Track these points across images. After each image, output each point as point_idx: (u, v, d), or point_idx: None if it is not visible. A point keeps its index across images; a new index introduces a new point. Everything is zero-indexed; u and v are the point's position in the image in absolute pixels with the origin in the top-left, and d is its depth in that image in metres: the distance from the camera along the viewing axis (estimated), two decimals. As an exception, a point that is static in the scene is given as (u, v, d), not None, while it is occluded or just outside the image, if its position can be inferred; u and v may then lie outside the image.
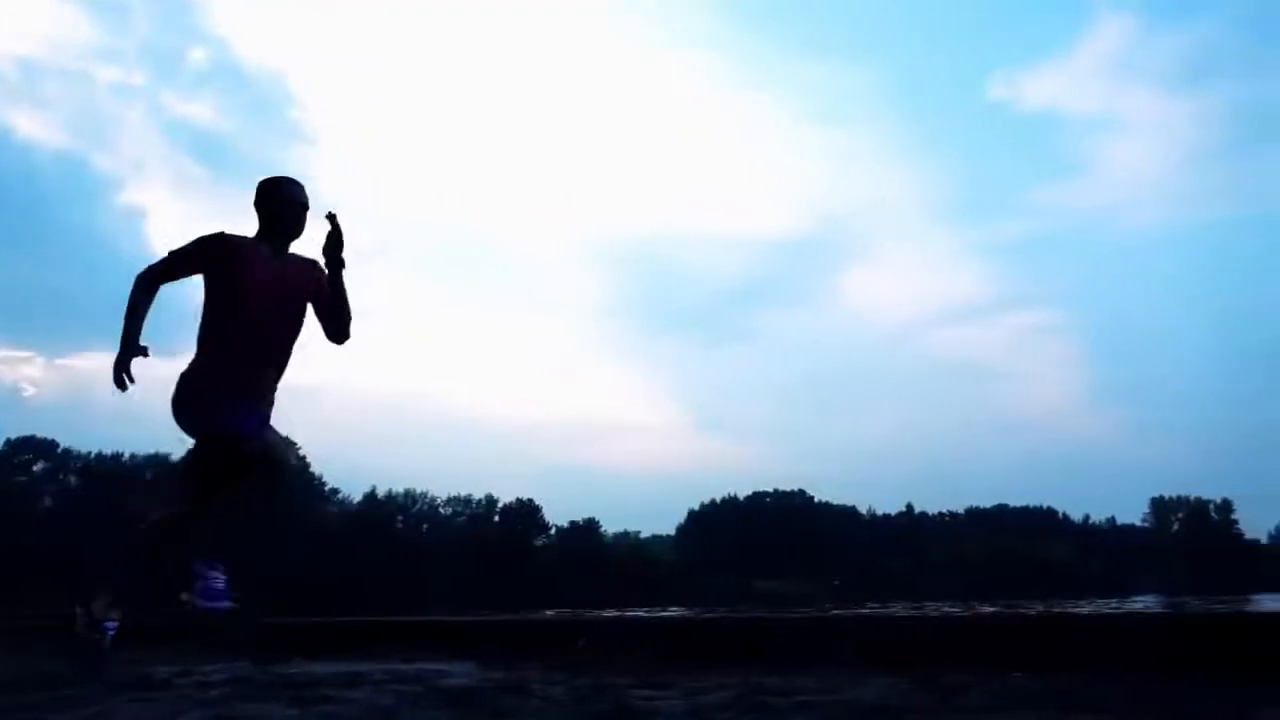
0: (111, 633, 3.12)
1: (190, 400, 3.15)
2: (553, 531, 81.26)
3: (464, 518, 79.24)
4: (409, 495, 77.50)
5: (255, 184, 3.36)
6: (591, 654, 3.24)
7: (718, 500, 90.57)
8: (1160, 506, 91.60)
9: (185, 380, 3.18)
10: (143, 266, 3.25)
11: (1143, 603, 32.85)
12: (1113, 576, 73.76)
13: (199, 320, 3.25)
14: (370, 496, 74.79)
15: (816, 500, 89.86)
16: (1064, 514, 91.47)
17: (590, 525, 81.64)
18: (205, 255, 3.25)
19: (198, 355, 3.23)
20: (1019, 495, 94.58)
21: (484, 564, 66.19)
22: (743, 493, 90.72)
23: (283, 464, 3.22)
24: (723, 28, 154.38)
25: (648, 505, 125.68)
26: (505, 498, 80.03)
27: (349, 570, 54.97)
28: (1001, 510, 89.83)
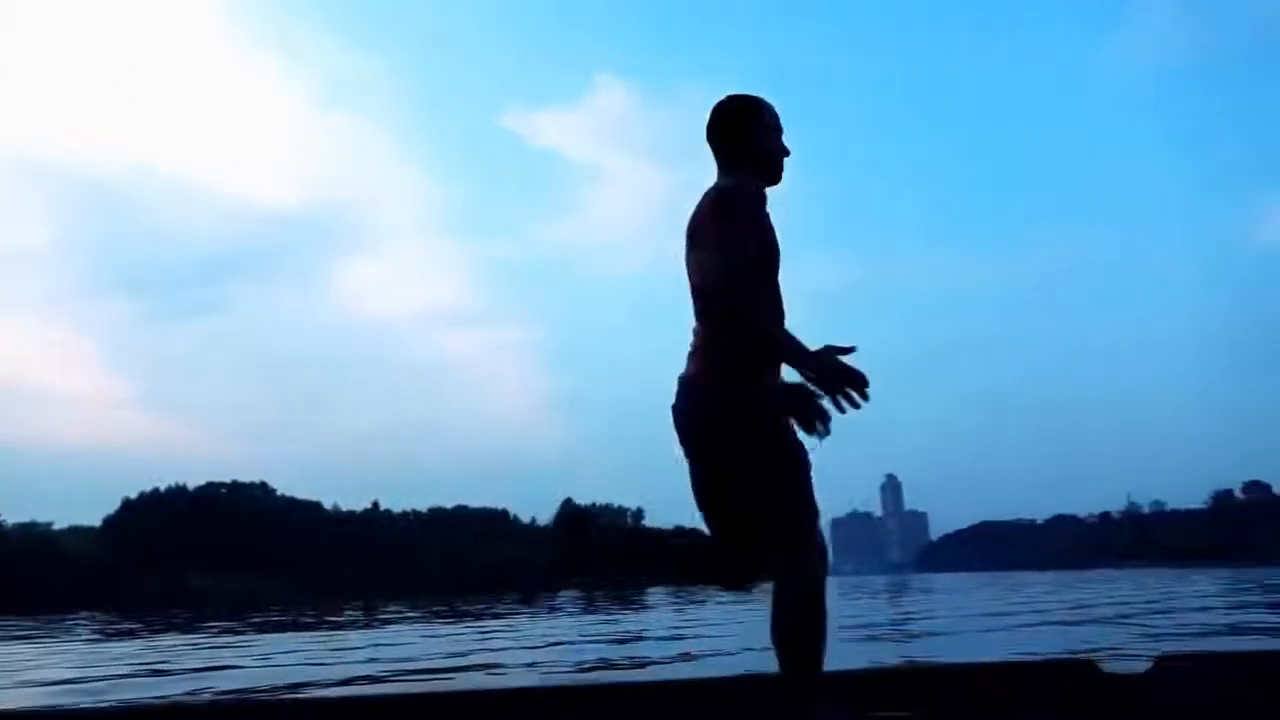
0: None
1: (757, 395, 2.16)
2: (-78, 520, 64.20)
3: None
4: None
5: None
6: None
7: (161, 489, 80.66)
8: (593, 512, 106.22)
9: (739, 385, 2.16)
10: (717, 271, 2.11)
11: (568, 596, 37.79)
12: (551, 572, 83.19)
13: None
14: None
15: (279, 494, 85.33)
16: (514, 515, 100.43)
17: (-18, 514, 66.33)
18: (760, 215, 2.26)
19: (729, 351, 2.19)
20: (477, 497, 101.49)
21: None
22: (194, 482, 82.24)
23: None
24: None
25: (67, 491, 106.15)
26: None
27: None
28: (461, 511, 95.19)
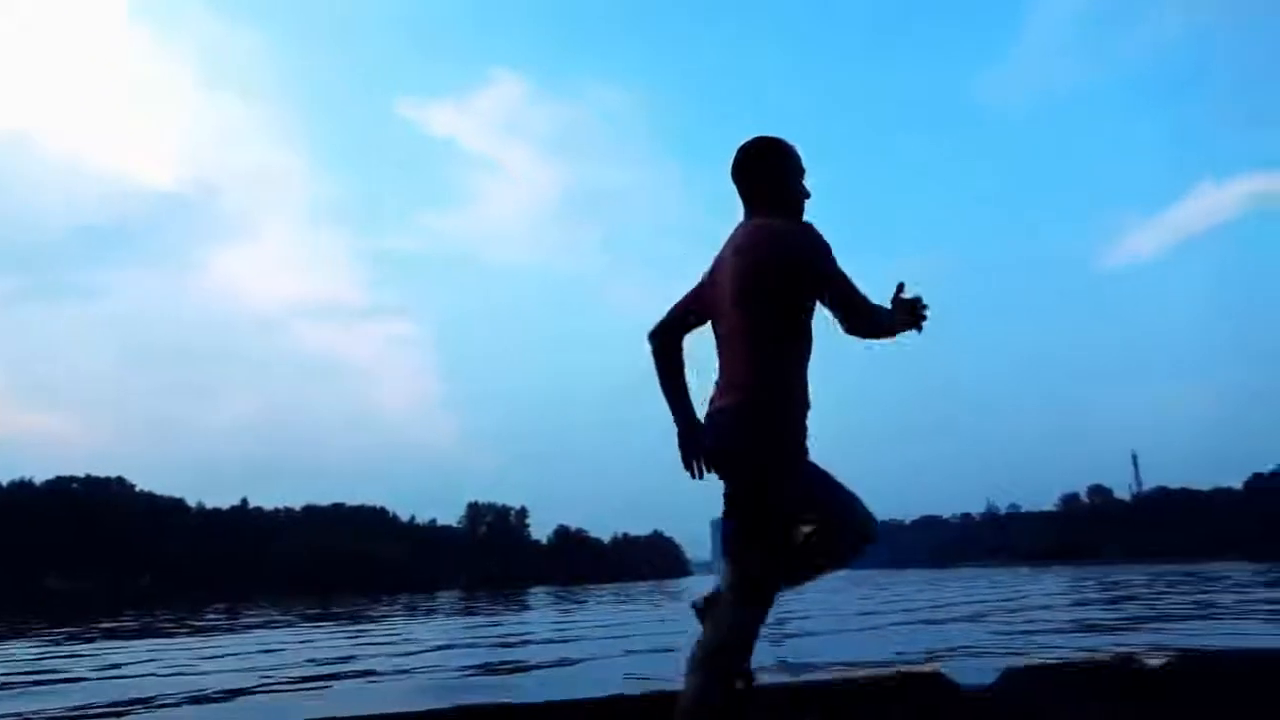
0: None
1: (788, 446, 2.28)
2: None
3: None
4: None
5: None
6: None
7: (4, 484, 74.63)
8: (475, 510, 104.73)
9: (779, 412, 2.28)
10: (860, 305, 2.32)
11: (448, 597, 37.18)
12: (430, 572, 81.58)
13: (770, 334, 2.31)
14: None
15: (139, 489, 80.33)
16: (394, 514, 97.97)
17: None
18: None
19: (780, 380, 2.30)
20: (354, 494, 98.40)
21: None
22: (41, 477, 76.47)
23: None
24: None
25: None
26: None
27: None
28: (338, 509, 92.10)
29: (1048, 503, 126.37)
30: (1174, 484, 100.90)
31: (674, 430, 2.45)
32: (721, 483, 2.31)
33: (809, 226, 2.32)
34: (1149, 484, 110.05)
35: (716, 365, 2.39)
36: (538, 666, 6.45)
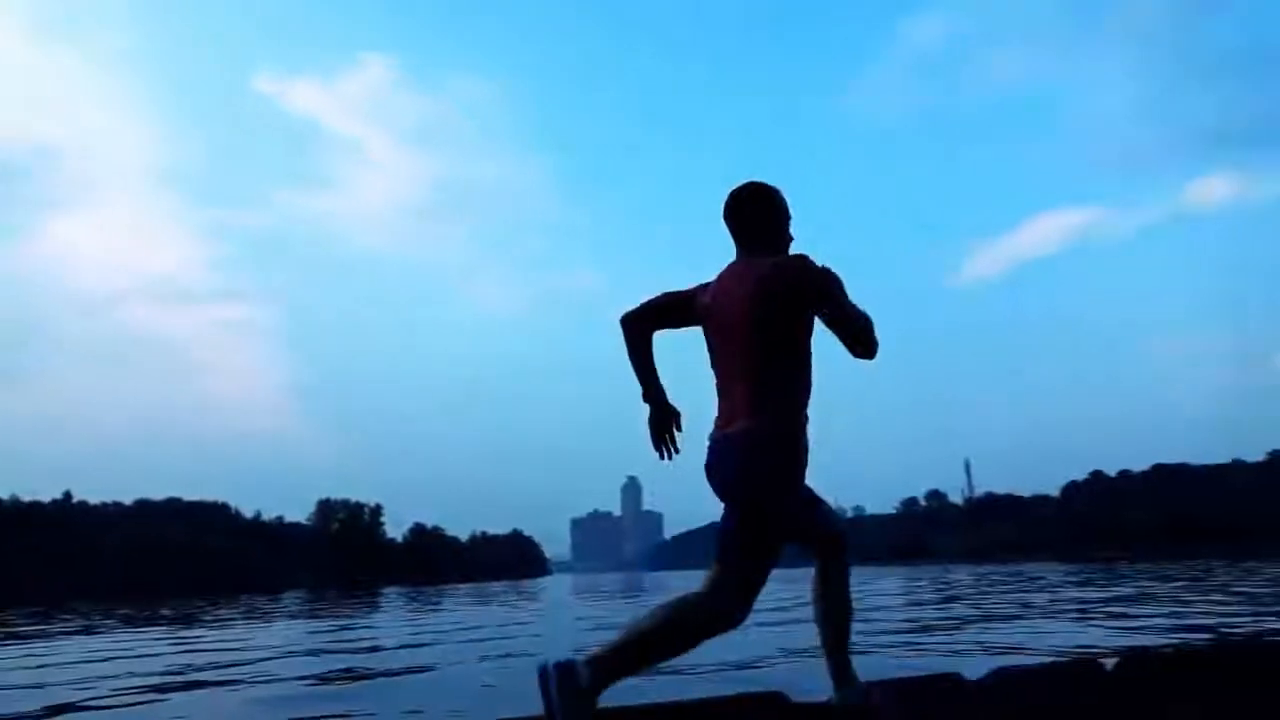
0: None
1: (797, 470, 2.47)
2: None
3: None
4: None
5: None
6: None
7: None
8: (326, 507, 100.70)
9: (786, 442, 2.43)
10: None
11: (293, 598, 35.46)
12: (275, 572, 77.79)
13: (779, 361, 2.47)
14: None
15: (-59, 480, 72.68)
16: (236, 509, 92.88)
17: None
18: None
19: (790, 406, 2.47)
20: (193, 488, 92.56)
21: None
22: None
23: None
24: None
25: None
26: None
27: None
28: (174, 503, 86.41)
29: (890, 505, 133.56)
30: (1001, 490, 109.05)
31: (644, 410, 2.59)
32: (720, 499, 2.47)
33: (806, 256, 2.48)
34: (980, 489, 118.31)
35: (715, 388, 2.54)
36: (386, 674, 6.25)
